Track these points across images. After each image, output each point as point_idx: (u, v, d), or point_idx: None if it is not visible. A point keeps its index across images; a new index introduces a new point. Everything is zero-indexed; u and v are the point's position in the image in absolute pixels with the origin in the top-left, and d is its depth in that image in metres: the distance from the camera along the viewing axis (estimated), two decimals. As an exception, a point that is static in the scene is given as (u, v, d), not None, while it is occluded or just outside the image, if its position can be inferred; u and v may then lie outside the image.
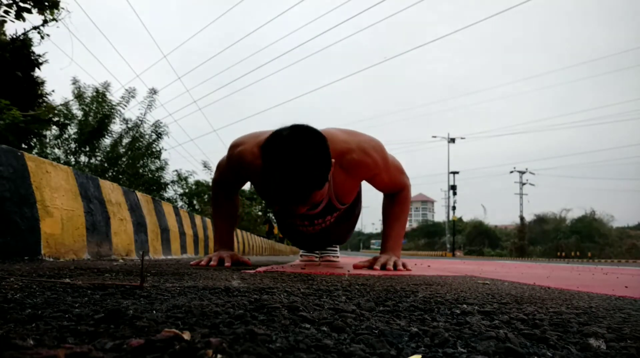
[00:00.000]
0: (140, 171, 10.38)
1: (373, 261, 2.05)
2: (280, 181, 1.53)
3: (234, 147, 1.98)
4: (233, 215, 2.27)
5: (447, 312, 0.77)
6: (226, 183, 2.20)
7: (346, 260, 3.89)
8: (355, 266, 2.06)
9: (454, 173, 38.67)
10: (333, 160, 1.68)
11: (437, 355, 0.48)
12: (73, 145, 9.61)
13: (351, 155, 1.88)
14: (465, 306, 0.83)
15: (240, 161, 1.93)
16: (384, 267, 1.98)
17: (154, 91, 10.46)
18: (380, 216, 2.28)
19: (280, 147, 1.53)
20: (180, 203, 12.56)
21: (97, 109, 9.62)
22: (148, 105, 10.38)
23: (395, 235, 2.17)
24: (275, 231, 21.34)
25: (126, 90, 10.06)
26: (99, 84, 9.83)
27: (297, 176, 1.51)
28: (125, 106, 9.93)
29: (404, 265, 1.99)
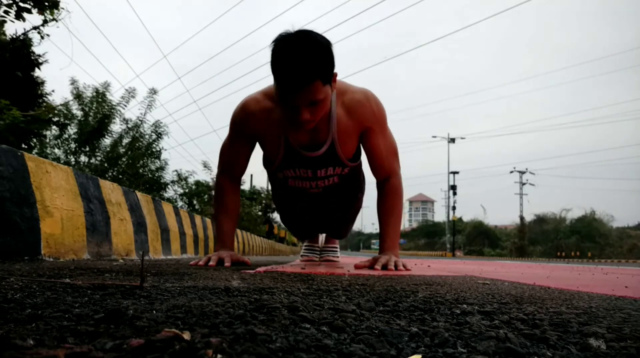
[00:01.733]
0: (140, 171, 10.37)
1: (373, 261, 2.05)
2: (286, 58, 1.64)
3: (237, 106, 2.06)
4: (234, 212, 2.25)
5: (447, 312, 0.77)
6: (231, 163, 2.18)
7: (346, 260, 3.89)
8: (356, 266, 2.07)
9: (454, 173, 38.69)
10: (336, 92, 1.82)
11: (437, 355, 0.48)
12: (73, 145, 9.61)
13: (353, 94, 1.97)
14: (465, 306, 0.83)
15: (244, 111, 2.01)
16: (385, 267, 1.98)
17: (154, 91, 10.46)
18: None
19: (287, 36, 1.67)
20: (180, 203, 12.56)
21: (97, 109, 9.61)
22: (148, 105, 10.37)
23: (392, 233, 2.16)
24: (275, 231, 21.34)
25: (126, 90, 10.06)
26: (98, 84, 9.83)
27: (302, 56, 1.62)
28: (125, 105, 9.92)
29: (404, 265, 1.99)
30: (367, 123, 2.02)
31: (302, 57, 1.62)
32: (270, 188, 2.61)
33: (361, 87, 2.05)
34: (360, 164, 2.29)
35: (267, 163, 2.22)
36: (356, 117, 1.99)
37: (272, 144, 2.06)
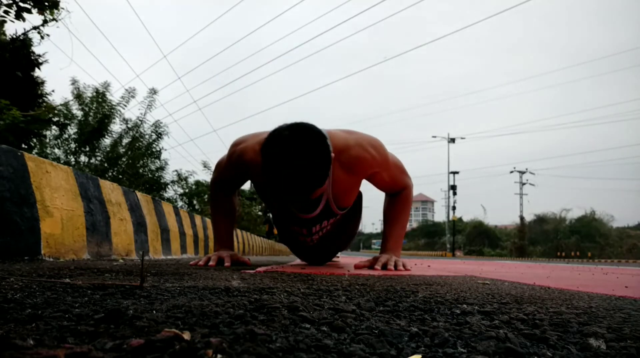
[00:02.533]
0: (140, 171, 10.37)
1: (373, 261, 2.05)
2: (281, 179, 1.56)
3: (235, 145, 2.00)
4: (232, 214, 2.27)
5: (447, 312, 0.77)
6: (225, 182, 2.20)
7: (346, 260, 3.89)
8: (356, 266, 2.07)
9: (454, 173, 38.68)
10: (333, 155, 1.70)
11: (437, 355, 0.48)
12: (73, 145, 9.61)
13: (349, 152, 1.89)
14: (465, 306, 0.83)
15: (241, 159, 1.95)
16: (384, 267, 1.98)
17: (154, 91, 10.47)
18: (381, 216, 2.28)
19: (280, 144, 1.55)
20: (180, 203, 12.56)
21: (97, 109, 9.62)
22: (148, 105, 10.38)
23: (396, 235, 2.17)
24: (275, 231, 21.32)
25: (126, 90, 10.07)
26: (98, 84, 9.84)
27: (298, 174, 1.54)
28: (125, 105, 9.93)
29: (404, 265, 1.99)
30: (369, 172, 2.01)
31: (299, 176, 1.54)
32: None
33: (355, 137, 1.95)
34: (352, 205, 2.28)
35: (266, 204, 2.25)
36: (358, 172, 1.97)
37: (266, 197, 2.08)
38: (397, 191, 2.19)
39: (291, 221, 2.11)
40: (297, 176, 1.54)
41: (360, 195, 2.38)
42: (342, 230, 2.36)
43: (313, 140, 1.58)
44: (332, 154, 1.68)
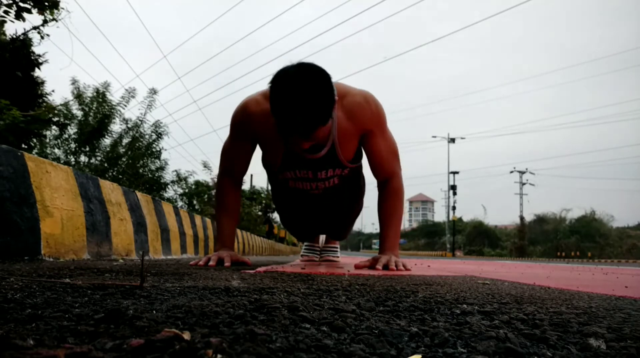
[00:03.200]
0: (140, 171, 10.37)
1: (374, 261, 2.05)
2: (287, 114, 1.65)
3: (238, 106, 2.07)
4: (235, 212, 2.26)
5: (447, 312, 0.77)
6: (232, 162, 2.18)
7: (346, 260, 3.89)
8: (357, 266, 2.07)
9: (454, 173, 38.70)
10: (337, 97, 1.79)
11: (437, 355, 0.48)
12: (73, 145, 9.60)
13: (353, 97, 1.97)
14: (465, 306, 0.83)
15: (244, 112, 2.02)
16: (386, 267, 1.98)
17: (154, 91, 10.46)
18: None
19: (287, 79, 1.65)
20: (180, 203, 12.56)
21: (97, 109, 9.61)
22: (148, 105, 10.37)
23: (393, 233, 2.16)
24: (275, 231, 21.33)
25: (126, 90, 10.06)
26: (99, 84, 9.83)
27: (303, 109, 1.63)
28: (125, 105, 9.92)
29: (404, 265, 1.99)
30: (366, 126, 2.02)
31: (304, 109, 1.63)
32: (270, 188, 2.59)
33: (360, 89, 2.05)
34: (360, 166, 2.30)
35: (267, 164, 2.22)
36: (356, 120, 1.99)
37: (272, 146, 2.07)
38: (387, 177, 2.17)
39: (298, 166, 2.09)
40: (302, 109, 1.62)
41: (363, 177, 2.41)
42: (348, 191, 2.35)
43: (318, 77, 1.67)
44: (336, 97, 1.77)
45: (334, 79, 1.82)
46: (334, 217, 2.60)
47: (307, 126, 1.67)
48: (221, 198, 2.23)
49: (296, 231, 2.96)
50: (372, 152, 2.12)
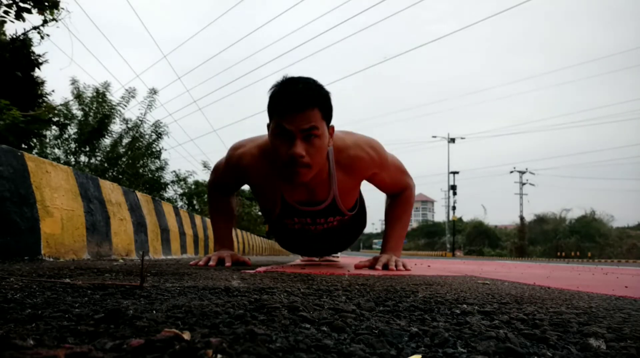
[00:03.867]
0: (140, 171, 10.37)
1: (374, 261, 2.06)
2: (284, 86, 1.68)
3: (233, 149, 2.01)
4: (231, 215, 2.27)
5: (447, 312, 0.77)
6: (223, 186, 2.20)
7: (346, 260, 3.89)
8: (357, 266, 2.07)
9: (454, 173, 38.68)
10: (332, 146, 1.82)
11: (437, 355, 0.48)
12: (73, 145, 9.61)
13: (348, 152, 1.91)
14: (465, 306, 0.83)
15: (239, 163, 1.96)
16: (385, 267, 1.98)
17: (154, 91, 10.47)
18: (381, 216, 2.29)
19: (285, 78, 1.72)
20: (180, 203, 12.56)
21: (97, 109, 9.62)
22: (148, 105, 10.38)
23: (397, 235, 2.17)
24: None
25: (126, 90, 10.07)
26: (99, 84, 9.84)
27: (300, 83, 1.67)
28: (125, 106, 9.93)
29: (404, 265, 1.99)
30: (368, 173, 2.01)
31: (303, 84, 1.67)
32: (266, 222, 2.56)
33: (353, 138, 1.97)
34: (361, 209, 2.30)
35: (264, 211, 2.21)
36: (356, 173, 1.98)
37: (269, 197, 2.05)
38: (399, 192, 2.18)
39: (297, 215, 2.08)
40: (300, 83, 1.67)
41: (362, 200, 2.38)
42: (348, 229, 2.35)
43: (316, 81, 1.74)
44: (331, 145, 1.79)
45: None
46: (334, 245, 2.60)
47: (305, 99, 1.63)
48: (214, 204, 2.25)
49: (296, 252, 2.95)
50: (380, 186, 2.13)
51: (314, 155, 1.70)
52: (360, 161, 1.93)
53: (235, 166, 1.99)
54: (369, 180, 2.08)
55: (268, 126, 1.78)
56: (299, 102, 1.63)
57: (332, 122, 1.78)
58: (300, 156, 1.66)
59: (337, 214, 2.09)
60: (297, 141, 1.66)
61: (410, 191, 2.19)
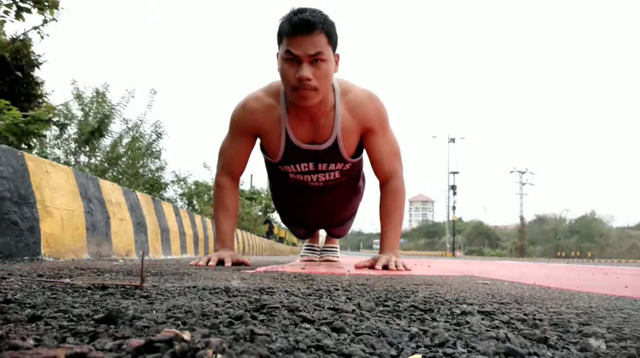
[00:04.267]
0: (140, 171, 10.37)
1: (373, 261, 2.05)
2: (293, 12, 1.77)
3: (236, 108, 2.10)
4: (234, 211, 2.25)
5: (447, 312, 0.77)
6: (230, 160, 2.18)
7: (346, 260, 3.89)
8: (357, 267, 2.07)
9: (454, 173, 38.70)
10: (339, 89, 1.91)
11: (437, 355, 0.48)
12: (73, 145, 9.60)
13: (357, 95, 2.01)
14: (465, 306, 0.83)
15: (245, 109, 2.05)
16: (385, 267, 1.98)
17: (154, 91, 10.47)
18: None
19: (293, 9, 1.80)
20: (180, 203, 12.55)
21: (97, 109, 9.61)
22: (148, 105, 10.38)
23: (392, 233, 2.16)
24: (275, 231, 21.33)
25: (126, 90, 10.06)
26: (99, 84, 9.83)
27: (311, 9, 1.77)
28: (125, 106, 9.93)
29: (404, 265, 1.99)
30: (368, 124, 2.03)
31: (311, 10, 1.77)
32: (268, 185, 2.61)
33: (365, 88, 2.07)
34: (361, 161, 2.30)
35: (267, 157, 2.23)
36: (358, 117, 2.01)
37: (273, 140, 2.08)
38: (387, 178, 2.16)
39: (299, 158, 2.10)
40: (307, 9, 1.76)
41: (363, 173, 2.42)
42: (348, 184, 2.36)
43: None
44: (339, 89, 1.88)
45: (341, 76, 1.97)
46: (333, 211, 2.61)
47: (313, 22, 1.73)
48: (220, 197, 2.22)
49: (295, 226, 2.95)
50: (373, 152, 2.12)
51: (320, 79, 1.81)
52: (365, 107, 2.01)
53: (240, 114, 2.06)
54: (365, 141, 2.10)
55: (277, 55, 1.87)
56: (305, 27, 1.73)
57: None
58: (307, 79, 1.78)
59: (339, 161, 2.10)
60: (304, 64, 1.77)
61: (400, 181, 2.17)
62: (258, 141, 2.18)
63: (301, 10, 1.77)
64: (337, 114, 1.97)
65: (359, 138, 2.11)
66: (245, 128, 2.08)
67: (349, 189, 2.41)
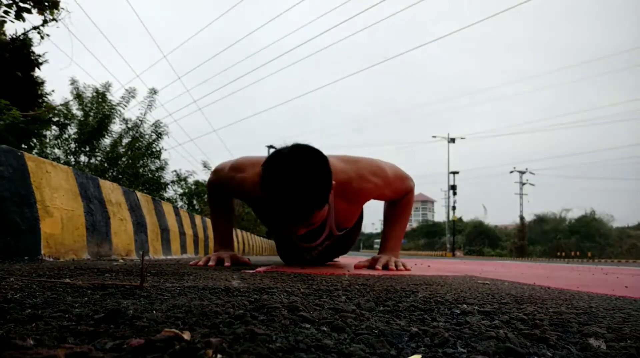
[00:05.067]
0: (140, 171, 10.37)
1: (373, 261, 2.06)
2: (282, 200, 1.54)
3: (235, 170, 1.98)
4: (230, 214, 2.27)
5: (447, 312, 0.77)
6: (223, 192, 2.19)
7: (346, 260, 3.88)
8: (356, 266, 2.07)
9: (454, 173, 38.66)
10: (334, 182, 1.68)
11: (437, 355, 0.48)
12: (73, 145, 9.61)
13: (351, 185, 1.89)
14: (465, 306, 0.83)
15: (240, 188, 1.98)
16: (386, 267, 1.98)
17: (154, 91, 10.47)
18: (381, 216, 2.28)
19: (281, 166, 1.54)
20: (180, 203, 12.56)
21: (97, 109, 9.61)
22: (148, 105, 10.38)
23: (396, 235, 2.17)
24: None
25: (126, 90, 10.07)
26: (99, 84, 9.84)
27: (299, 194, 1.52)
28: (125, 106, 9.93)
29: (403, 265, 1.99)
30: (373, 196, 2.03)
31: (299, 195, 1.53)
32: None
33: (355, 168, 1.94)
34: (358, 221, 2.30)
35: (264, 222, 2.25)
36: (361, 201, 2.02)
37: (267, 221, 2.11)
38: (401, 198, 2.18)
39: (292, 245, 2.13)
40: (298, 194, 1.52)
41: (361, 213, 2.38)
42: (343, 242, 2.36)
43: (314, 161, 1.58)
44: (333, 182, 1.66)
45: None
46: (333, 255, 2.61)
47: (303, 212, 1.59)
48: (214, 203, 2.24)
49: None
50: (384, 199, 2.16)
51: (315, 225, 1.74)
52: (365, 191, 1.96)
53: (236, 188, 2.01)
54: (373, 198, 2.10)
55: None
56: (296, 218, 1.61)
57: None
58: (302, 234, 1.77)
59: (331, 238, 2.10)
60: (299, 229, 1.70)
61: (411, 194, 2.19)
62: None
63: (289, 191, 1.52)
64: (330, 214, 1.93)
65: (362, 208, 2.14)
66: (239, 196, 2.11)
67: (347, 239, 2.39)
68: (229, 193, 2.14)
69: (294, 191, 1.52)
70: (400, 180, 2.14)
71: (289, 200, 1.53)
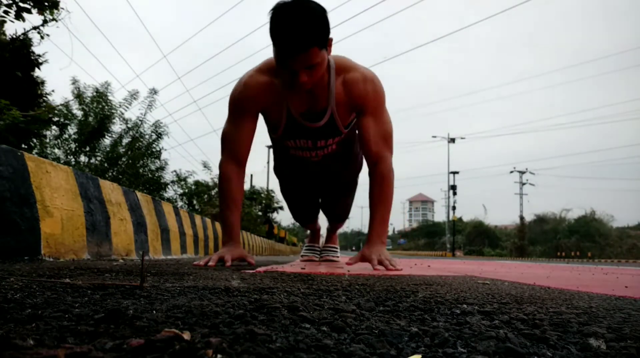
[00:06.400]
0: (140, 171, 10.37)
1: (362, 258, 2.04)
2: (284, 27, 1.71)
3: (235, 88, 2.12)
4: (239, 203, 2.19)
5: (447, 312, 0.77)
6: (233, 144, 2.15)
7: (346, 260, 3.88)
8: (348, 264, 2.14)
9: (454, 173, 38.65)
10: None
11: (437, 355, 0.48)
12: (73, 145, 9.61)
13: (354, 73, 2.04)
14: (465, 306, 0.83)
15: (245, 88, 2.07)
16: (382, 264, 1.97)
17: (154, 91, 10.47)
18: None
19: (284, 2, 1.73)
20: (180, 203, 12.55)
21: (97, 109, 9.61)
22: (148, 105, 10.38)
23: (379, 220, 2.10)
24: (275, 231, 21.33)
25: (129, 92, 10.07)
26: (99, 84, 9.84)
27: (300, 22, 1.69)
28: (128, 107, 9.95)
29: (389, 261, 1.96)
30: (360, 102, 2.05)
31: (298, 25, 1.70)
32: (274, 168, 2.71)
33: (366, 69, 2.09)
34: (354, 129, 2.33)
35: (271, 131, 2.29)
36: (351, 95, 2.04)
37: (275, 114, 2.14)
38: (374, 161, 2.11)
39: (299, 134, 2.16)
40: (299, 22, 1.68)
41: (355, 132, 2.39)
42: (345, 157, 2.42)
43: (315, 5, 1.74)
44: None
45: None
46: (333, 186, 2.68)
47: (304, 41, 1.71)
48: (226, 186, 2.15)
49: (296, 207, 2.95)
50: (362, 131, 2.11)
51: (315, 75, 1.84)
52: (358, 85, 2.03)
53: (241, 94, 2.08)
54: (357, 119, 2.14)
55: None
56: (297, 48, 1.72)
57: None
58: (304, 84, 1.82)
59: (336, 135, 2.17)
60: (300, 73, 1.79)
61: (387, 166, 2.11)
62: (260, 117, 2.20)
63: (290, 22, 1.70)
64: (331, 89, 2.02)
65: (353, 114, 2.17)
66: (248, 106, 2.10)
67: (346, 161, 2.48)
68: (239, 118, 2.13)
69: (295, 21, 1.69)
70: (386, 132, 2.13)
71: (291, 29, 1.69)
